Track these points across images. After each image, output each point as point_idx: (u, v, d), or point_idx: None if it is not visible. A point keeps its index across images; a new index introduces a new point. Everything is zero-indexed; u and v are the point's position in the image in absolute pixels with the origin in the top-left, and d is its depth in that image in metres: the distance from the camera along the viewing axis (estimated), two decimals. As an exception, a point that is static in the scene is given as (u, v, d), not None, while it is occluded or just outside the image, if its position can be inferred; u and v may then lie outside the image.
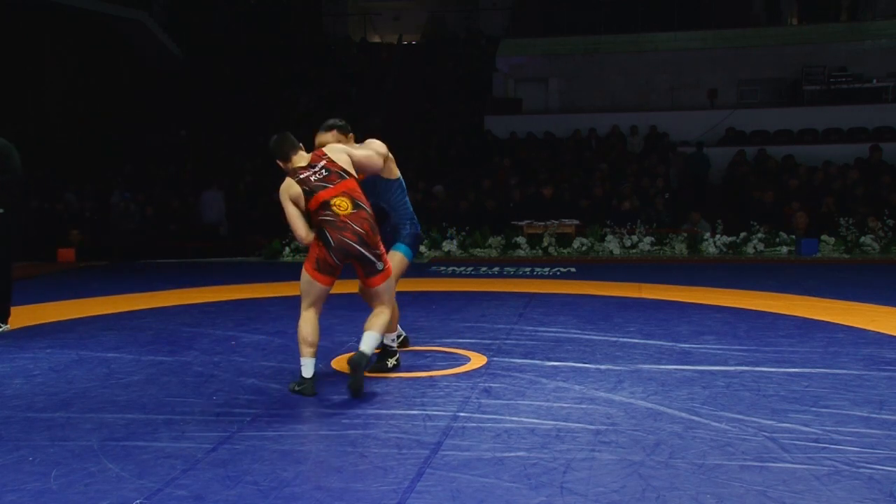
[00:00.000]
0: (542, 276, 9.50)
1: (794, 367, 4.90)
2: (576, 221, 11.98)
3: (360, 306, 7.20)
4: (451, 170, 14.69)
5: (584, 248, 11.58)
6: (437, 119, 17.44)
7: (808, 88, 16.00)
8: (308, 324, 4.51)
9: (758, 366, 4.96)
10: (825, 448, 3.49)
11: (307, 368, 4.50)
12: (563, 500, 3.00)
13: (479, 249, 11.80)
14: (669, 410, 4.06)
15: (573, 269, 10.06)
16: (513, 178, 13.72)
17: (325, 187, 4.46)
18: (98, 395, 4.53)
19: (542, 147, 15.59)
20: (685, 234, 11.66)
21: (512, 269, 10.15)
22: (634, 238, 11.60)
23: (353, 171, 4.58)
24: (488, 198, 13.01)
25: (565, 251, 11.58)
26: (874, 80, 15.78)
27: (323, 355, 5.44)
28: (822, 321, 6.36)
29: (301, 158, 4.55)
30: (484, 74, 18.32)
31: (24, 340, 6.09)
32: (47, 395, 4.56)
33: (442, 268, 10.38)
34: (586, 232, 11.77)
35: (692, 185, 14.29)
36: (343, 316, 6.87)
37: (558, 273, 9.78)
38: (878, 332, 5.90)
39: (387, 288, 4.65)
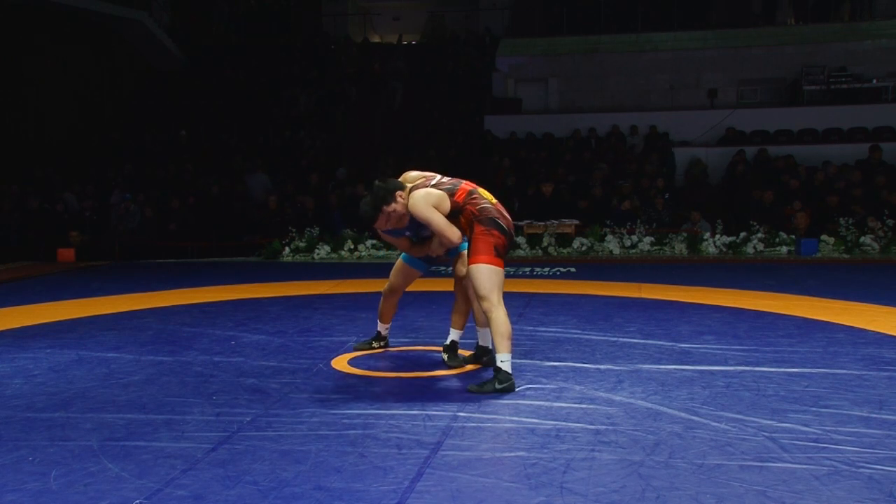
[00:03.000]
0: (542, 276, 9.50)
1: (794, 367, 4.90)
2: (575, 221, 11.98)
3: (360, 307, 7.22)
4: (451, 170, 14.68)
5: (583, 248, 11.58)
6: (437, 119, 17.43)
7: (807, 88, 15.99)
8: (508, 317, 4.45)
9: (758, 366, 4.96)
10: (825, 448, 3.49)
11: (509, 364, 4.44)
12: (563, 500, 3.00)
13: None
14: (669, 410, 4.06)
15: (573, 269, 10.06)
16: (511, 180, 13.71)
17: (459, 183, 4.63)
18: (98, 395, 4.53)
19: (542, 147, 15.58)
20: (685, 234, 11.66)
21: (512, 269, 10.14)
22: (634, 238, 11.60)
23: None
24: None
25: (565, 251, 11.58)
26: (874, 80, 15.78)
27: (323, 355, 5.45)
28: (822, 321, 6.36)
29: (409, 181, 4.71)
30: (484, 74, 18.32)
31: (24, 340, 6.09)
32: (47, 395, 4.57)
33: (442, 268, 10.36)
34: (586, 232, 11.77)
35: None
36: (343, 316, 6.87)
37: (558, 273, 9.78)
38: (878, 332, 5.90)
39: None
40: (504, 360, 4.43)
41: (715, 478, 3.18)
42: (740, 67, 16.98)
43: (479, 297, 4.46)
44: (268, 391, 4.56)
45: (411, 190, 4.63)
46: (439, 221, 4.48)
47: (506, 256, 4.55)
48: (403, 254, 5.22)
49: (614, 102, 17.27)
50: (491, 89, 17.86)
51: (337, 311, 7.13)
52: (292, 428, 3.88)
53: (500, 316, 4.42)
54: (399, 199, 4.61)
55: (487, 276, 4.42)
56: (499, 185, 13.73)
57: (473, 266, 4.45)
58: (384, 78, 18.40)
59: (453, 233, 4.49)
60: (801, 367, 4.90)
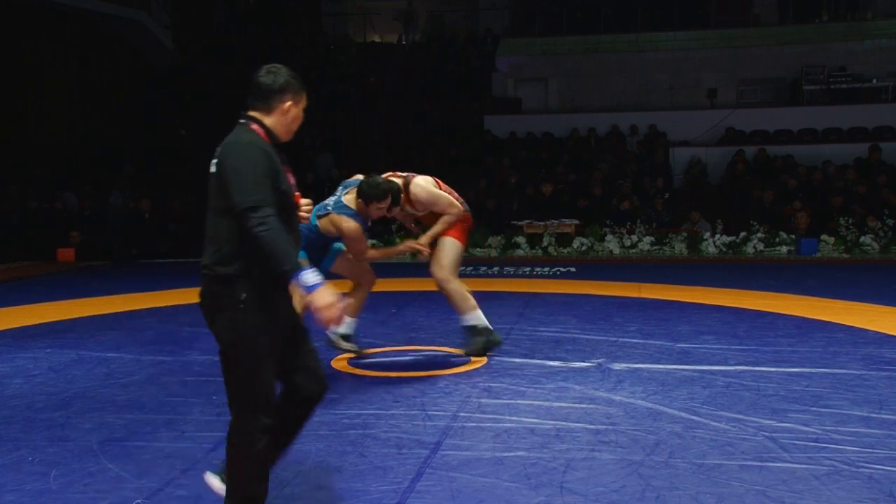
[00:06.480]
0: (542, 276, 9.49)
1: (794, 367, 4.91)
2: (575, 221, 11.98)
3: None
4: (451, 170, 14.67)
5: (583, 248, 11.58)
6: (437, 119, 17.41)
7: (807, 88, 15.98)
8: (461, 283, 5.04)
9: (757, 365, 4.96)
10: (825, 448, 3.49)
11: (482, 317, 5.03)
12: (563, 499, 3.00)
13: (479, 249, 11.80)
14: (669, 410, 4.06)
15: (573, 269, 10.06)
16: (513, 177, 13.70)
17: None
18: (98, 395, 4.53)
19: (542, 147, 15.57)
20: (685, 234, 11.66)
21: (512, 269, 10.15)
22: (634, 238, 11.59)
23: None
24: (488, 198, 13.00)
25: (565, 251, 11.57)
26: (874, 80, 15.76)
27: (323, 355, 5.44)
28: (822, 321, 6.36)
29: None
30: (484, 74, 18.31)
31: (24, 340, 6.09)
32: (47, 395, 4.57)
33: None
34: (586, 232, 11.77)
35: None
36: (343, 316, 6.86)
37: (558, 273, 9.77)
38: (878, 332, 5.90)
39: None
40: (478, 318, 5.01)
41: (715, 477, 3.18)
42: (740, 67, 16.97)
43: (440, 267, 4.99)
44: (268, 391, 4.55)
45: (405, 182, 5.01)
46: (447, 199, 5.05)
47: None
48: (339, 245, 5.35)
49: (614, 102, 17.25)
50: (491, 89, 17.85)
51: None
52: (292, 428, 3.88)
53: (456, 285, 4.99)
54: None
55: (454, 252, 5.04)
56: (499, 184, 13.74)
57: (448, 239, 5.02)
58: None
59: (458, 208, 5.08)
60: (801, 367, 4.90)
